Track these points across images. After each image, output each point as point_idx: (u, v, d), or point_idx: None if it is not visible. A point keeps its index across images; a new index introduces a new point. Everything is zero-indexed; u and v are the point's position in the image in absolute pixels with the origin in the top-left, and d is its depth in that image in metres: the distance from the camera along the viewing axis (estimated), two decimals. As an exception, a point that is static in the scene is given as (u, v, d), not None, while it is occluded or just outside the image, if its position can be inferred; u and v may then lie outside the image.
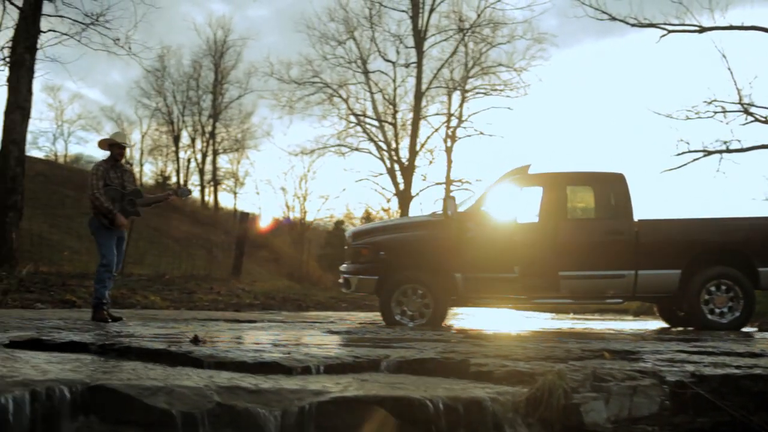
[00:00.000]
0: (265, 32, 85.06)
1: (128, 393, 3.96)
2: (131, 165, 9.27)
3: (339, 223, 47.85)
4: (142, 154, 57.76)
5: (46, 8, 20.53)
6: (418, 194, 34.90)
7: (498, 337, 8.61)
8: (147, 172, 56.40)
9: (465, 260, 10.78)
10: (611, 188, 11.23)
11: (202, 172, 56.37)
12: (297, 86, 37.60)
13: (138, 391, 3.99)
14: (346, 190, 56.47)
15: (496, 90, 35.72)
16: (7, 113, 19.54)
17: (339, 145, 37.59)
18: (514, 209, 11.23)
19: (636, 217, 11.08)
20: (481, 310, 12.48)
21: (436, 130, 36.01)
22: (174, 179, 56.23)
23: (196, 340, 5.98)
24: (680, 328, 11.85)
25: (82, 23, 20.68)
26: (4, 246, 18.58)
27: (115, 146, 9.86)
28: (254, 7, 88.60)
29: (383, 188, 36.73)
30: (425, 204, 36.78)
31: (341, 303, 18.97)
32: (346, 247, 11.76)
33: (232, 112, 55.87)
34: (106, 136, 10.26)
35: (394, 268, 10.89)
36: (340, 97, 37.51)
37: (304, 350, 5.70)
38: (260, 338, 7.36)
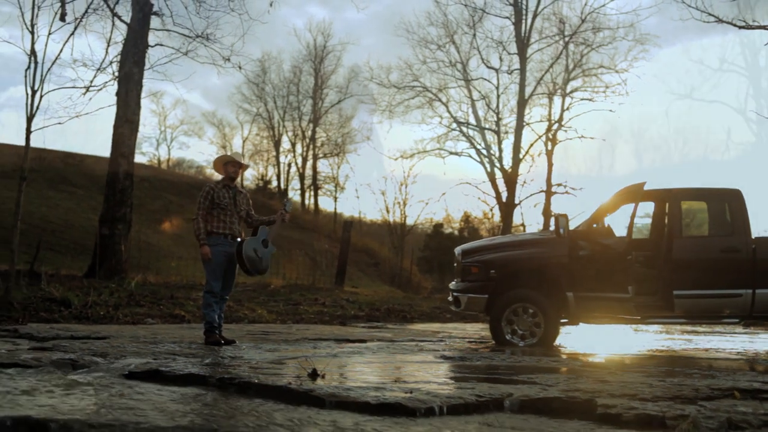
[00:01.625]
0: (362, 35, 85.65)
1: (256, 443, 3.95)
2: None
3: (438, 226, 47.75)
4: (243, 158, 58.67)
5: (154, 22, 21.00)
6: (520, 203, 34.34)
7: (616, 365, 8.42)
8: (248, 176, 57.35)
9: (577, 279, 10.59)
10: (727, 204, 10.87)
11: (302, 177, 57.25)
12: (397, 90, 37.60)
13: (265, 440, 3.97)
14: (445, 194, 56.16)
15: (597, 92, 34.99)
16: (116, 127, 20.02)
17: (438, 149, 37.37)
18: (627, 227, 10.96)
19: (753, 234, 10.69)
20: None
21: (540, 137, 35.42)
22: (275, 183, 57.18)
23: (314, 375, 5.98)
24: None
25: (189, 36, 21.05)
26: (113, 258, 19.05)
27: (229, 164, 9.88)
28: (352, 10, 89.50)
29: (485, 193, 36.35)
30: (525, 210, 36.29)
31: (445, 314, 18.85)
32: (455, 264, 11.66)
33: (332, 117, 56.66)
34: (223, 153, 10.28)
35: (505, 286, 10.76)
36: (440, 101, 37.36)
37: (425, 388, 5.64)
38: (377, 369, 7.41)
